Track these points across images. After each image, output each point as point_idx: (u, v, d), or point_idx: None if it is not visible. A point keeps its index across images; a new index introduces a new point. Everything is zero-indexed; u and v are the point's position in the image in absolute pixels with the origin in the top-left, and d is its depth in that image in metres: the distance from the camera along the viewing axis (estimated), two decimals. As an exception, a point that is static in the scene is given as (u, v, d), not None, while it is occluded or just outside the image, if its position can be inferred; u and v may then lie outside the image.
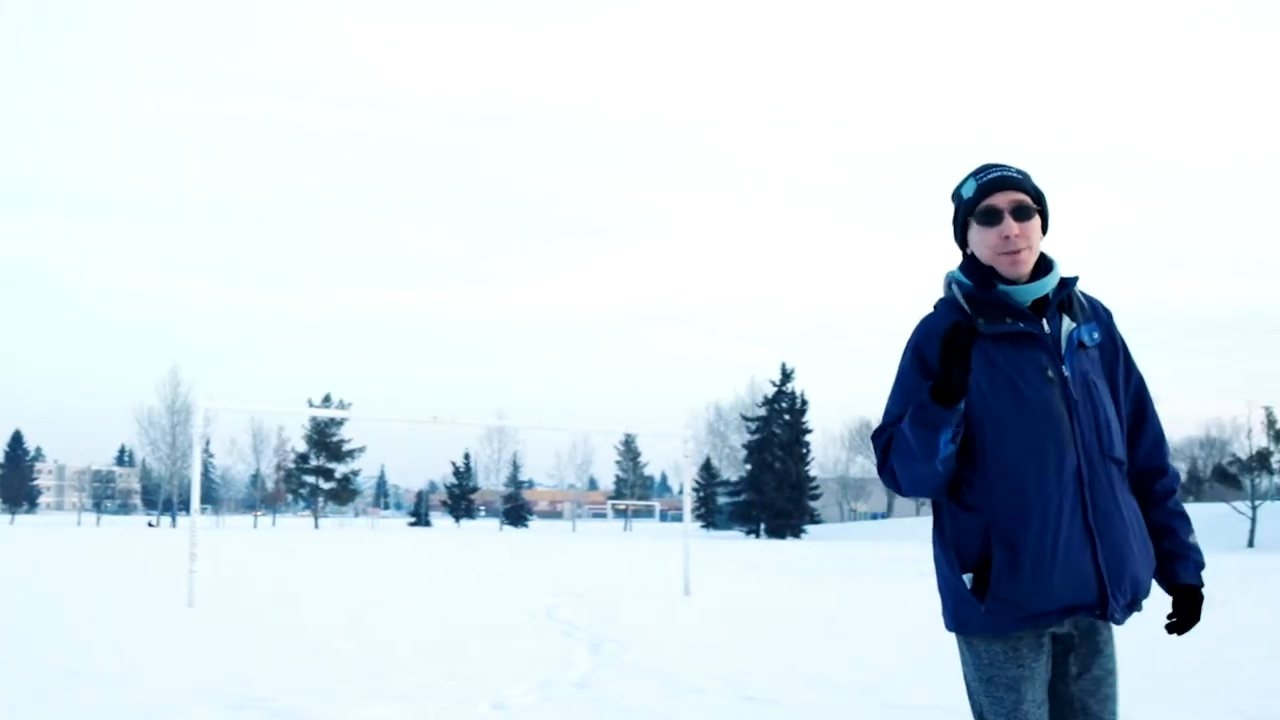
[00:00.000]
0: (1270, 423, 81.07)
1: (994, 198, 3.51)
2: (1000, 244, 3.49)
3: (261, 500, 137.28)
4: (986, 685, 3.47)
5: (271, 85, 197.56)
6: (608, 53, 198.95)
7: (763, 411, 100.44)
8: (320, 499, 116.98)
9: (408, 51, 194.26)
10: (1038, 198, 3.57)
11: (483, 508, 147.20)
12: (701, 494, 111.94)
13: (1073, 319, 3.57)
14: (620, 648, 11.92)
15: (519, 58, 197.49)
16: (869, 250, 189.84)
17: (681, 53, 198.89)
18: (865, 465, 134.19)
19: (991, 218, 3.50)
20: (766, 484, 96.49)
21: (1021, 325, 3.49)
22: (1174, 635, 3.59)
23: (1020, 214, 3.50)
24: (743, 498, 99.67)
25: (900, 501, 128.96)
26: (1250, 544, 73.56)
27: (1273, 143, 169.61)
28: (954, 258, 3.67)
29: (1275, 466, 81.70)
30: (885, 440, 3.55)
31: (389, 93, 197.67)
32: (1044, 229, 3.60)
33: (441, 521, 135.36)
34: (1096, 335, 3.60)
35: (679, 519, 42.49)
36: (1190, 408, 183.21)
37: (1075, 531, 3.37)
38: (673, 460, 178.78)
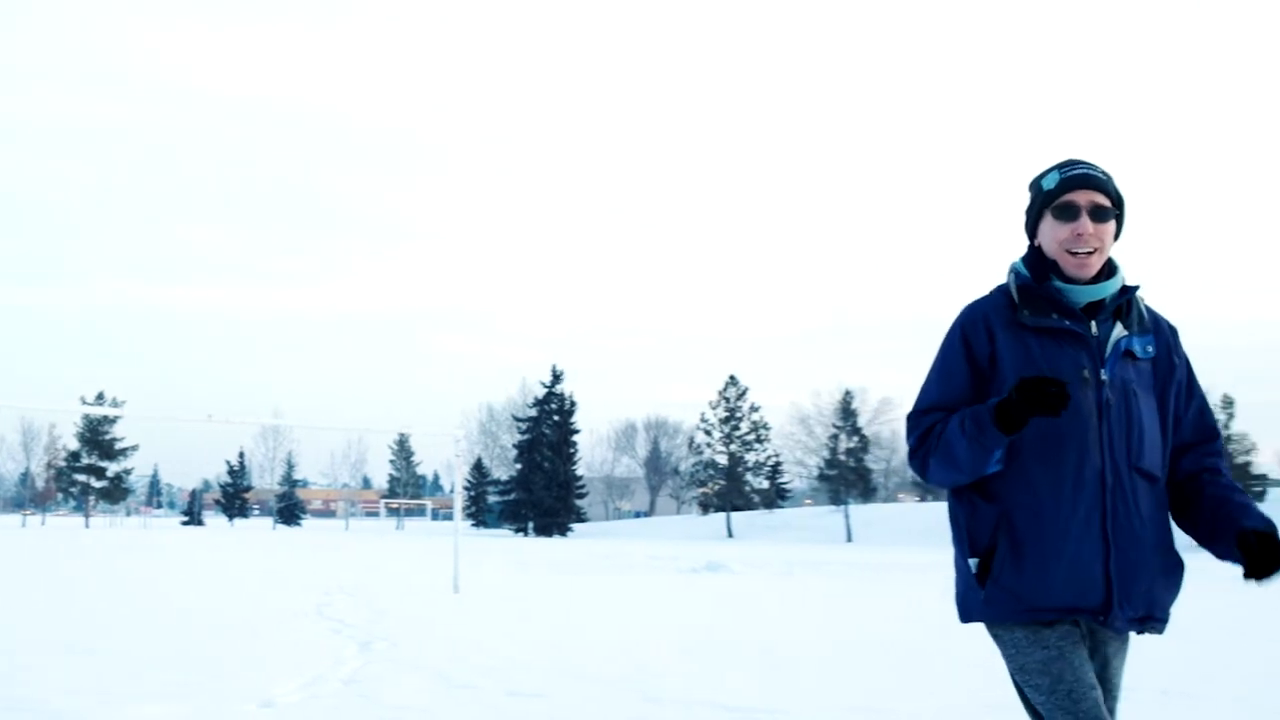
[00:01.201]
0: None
1: (1075, 194, 3.39)
2: (1071, 240, 3.37)
3: (31, 499, 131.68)
4: (1020, 674, 3.33)
5: (45, 76, 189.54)
6: (389, 56, 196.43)
7: (533, 412, 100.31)
8: (92, 498, 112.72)
9: (190, 47, 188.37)
10: (1118, 201, 3.44)
11: (257, 507, 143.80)
12: (472, 493, 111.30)
13: (1126, 327, 3.43)
14: (390, 645, 11.72)
15: (301, 59, 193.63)
16: (637, 256, 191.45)
17: (460, 59, 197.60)
18: (630, 465, 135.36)
19: (1068, 213, 3.38)
20: (536, 483, 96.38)
21: (1067, 323, 3.37)
22: (1254, 582, 3.27)
23: (1098, 215, 3.38)
24: (513, 496, 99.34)
25: (662, 500, 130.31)
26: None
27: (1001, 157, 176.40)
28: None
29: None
30: (924, 430, 3.43)
31: (166, 88, 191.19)
32: (1117, 234, 3.47)
33: (215, 520, 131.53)
34: (1151, 349, 3.46)
35: (450, 517, 42.08)
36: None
37: (1089, 535, 3.26)
38: (445, 460, 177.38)
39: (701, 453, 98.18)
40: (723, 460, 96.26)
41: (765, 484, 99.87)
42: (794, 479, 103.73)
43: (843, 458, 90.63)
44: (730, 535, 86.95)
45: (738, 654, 11.32)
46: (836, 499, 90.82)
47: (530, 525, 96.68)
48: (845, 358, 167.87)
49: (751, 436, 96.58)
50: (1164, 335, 3.51)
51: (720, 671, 9.97)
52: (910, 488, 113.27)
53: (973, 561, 3.34)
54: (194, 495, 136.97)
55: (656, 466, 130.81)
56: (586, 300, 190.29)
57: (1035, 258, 3.47)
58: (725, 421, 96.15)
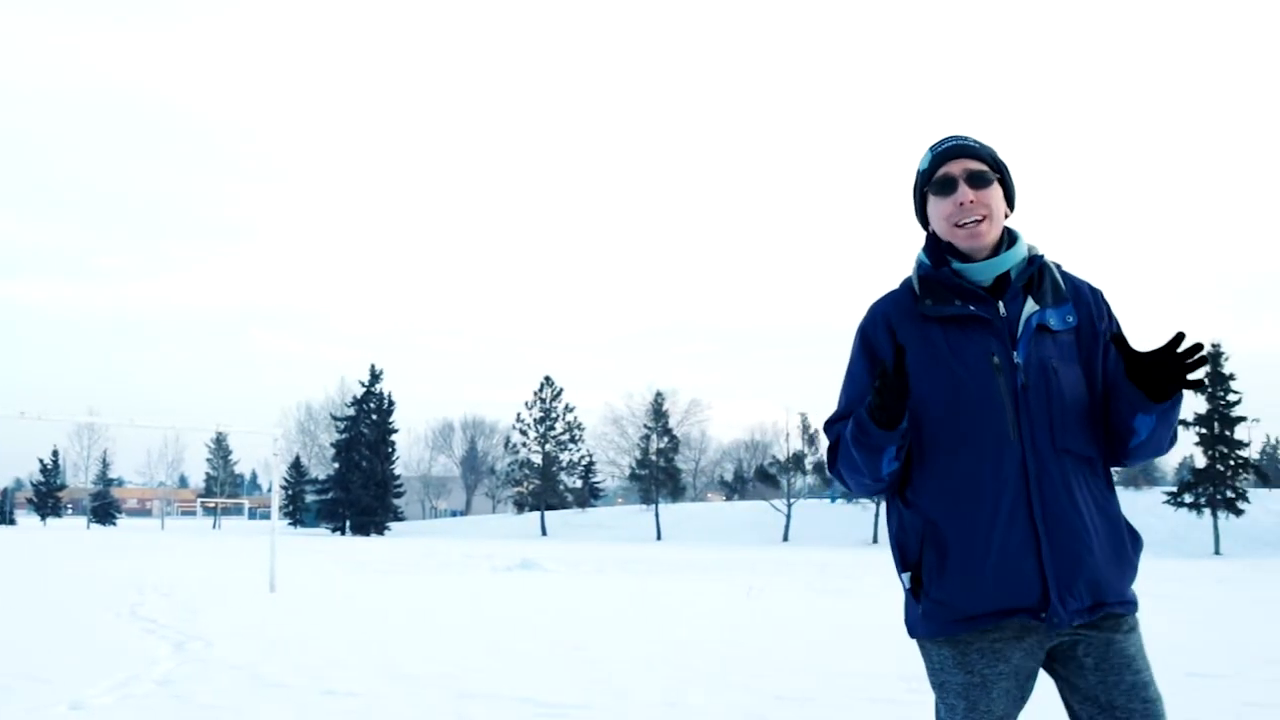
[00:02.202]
0: (805, 427, 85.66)
1: (948, 166, 3.17)
2: (955, 213, 3.14)
3: None
4: (939, 690, 3.12)
5: None
6: (210, 54, 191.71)
7: (351, 411, 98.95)
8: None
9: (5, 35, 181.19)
10: (997, 166, 3.21)
11: (70, 506, 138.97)
12: (290, 492, 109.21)
13: (1038, 301, 3.15)
14: (205, 645, 11.47)
15: (126, 53, 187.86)
16: (457, 259, 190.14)
17: (280, 61, 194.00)
18: (447, 464, 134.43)
19: (946, 186, 3.17)
20: (353, 482, 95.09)
21: (971, 308, 3.12)
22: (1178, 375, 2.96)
23: (976, 181, 3.15)
24: (330, 495, 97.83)
25: (478, 499, 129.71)
26: (785, 538, 77.62)
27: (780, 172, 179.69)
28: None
29: (808, 467, 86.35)
30: (834, 439, 3.21)
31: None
32: (1009, 203, 3.24)
33: (27, 520, 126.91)
34: (1072, 319, 3.17)
35: (268, 516, 41.24)
36: (738, 414, 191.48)
37: (1016, 531, 2.98)
38: (263, 459, 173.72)
39: (517, 452, 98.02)
40: (538, 460, 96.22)
41: (579, 483, 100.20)
42: (606, 478, 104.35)
43: (653, 458, 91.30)
44: (544, 534, 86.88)
45: (550, 651, 11.34)
46: (647, 498, 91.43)
47: (348, 524, 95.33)
48: (657, 360, 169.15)
49: (566, 437, 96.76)
50: (1085, 301, 3.22)
51: (533, 668, 9.98)
52: (718, 487, 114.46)
53: (905, 576, 3.14)
54: (5, 494, 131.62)
55: (473, 466, 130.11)
56: (406, 301, 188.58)
57: (932, 243, 3.26)
58: (540, 422, 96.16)
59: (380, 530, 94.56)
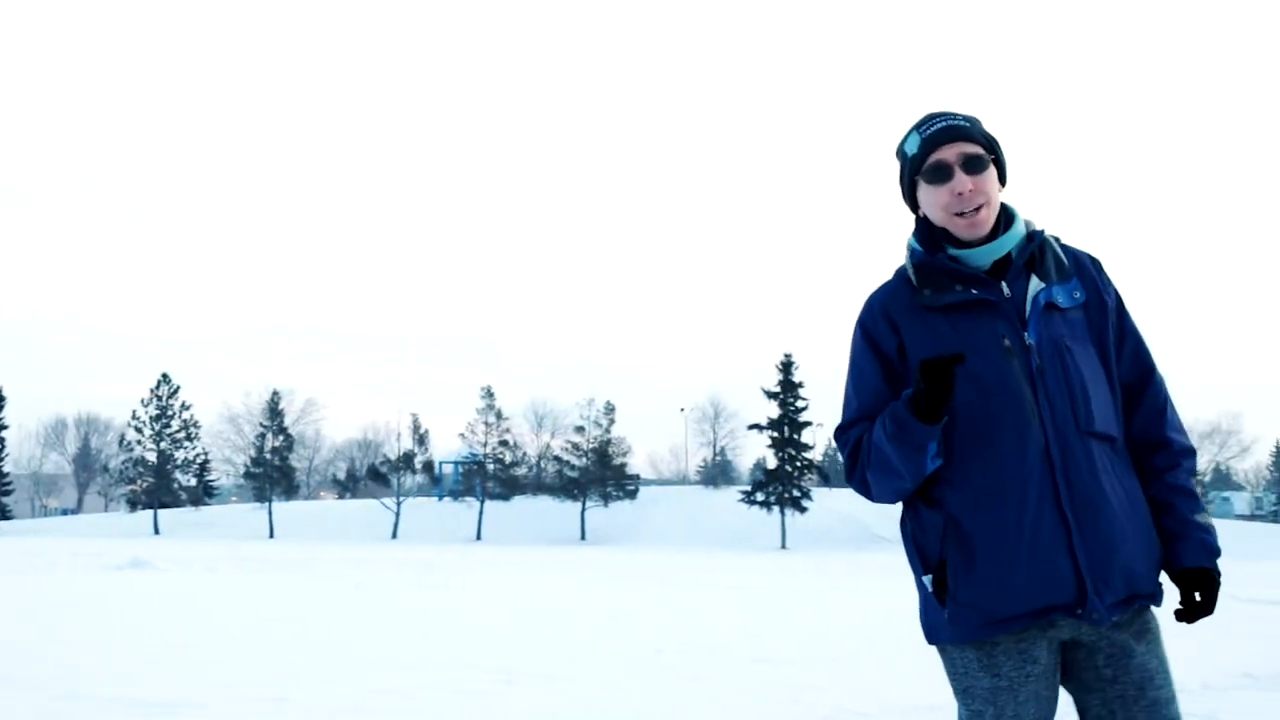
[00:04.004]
0: (416, 427, 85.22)
1: (941, 151, 2.85)
2: (953, 202, 2.85)
3: None
4: (963, 696, 2.85)
5: None
6: None
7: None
8: None
9: None
10: (991, 146, 2.91)
11: None
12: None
13: (1043, 278, 2.88)
14: None
15: None
16: (64, 249, 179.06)
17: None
18: (59, 462, 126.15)
19: (941, 174, 2.85)
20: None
21: (974, 292, 2.84)
22: (1184, 623, 2.83)
23: (972, 166, 2.85)
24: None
25: (91, 498, 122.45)
26: (394, 536, 77.13)
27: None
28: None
29: (418, 466, 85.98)
30: (853, 446, 2.91)
31: None
32: (1002, 180, 2.95)
33: None
34: (1080, 295, 2.90)
35: None
36: (353, 413, 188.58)
37: (1045, 521, 2.72)
38: None
39: (132, 450, 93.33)
40: (152, 458, 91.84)
41: (194, 481, 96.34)
42: (221, 476, 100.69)
43: (268, 456, 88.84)
44: (157, 532, 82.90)
45: (156, 649, 10.97)
46: (261, 496, 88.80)
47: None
48: (275, 359, 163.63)
49: (182, 434, 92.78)
50: (1088, 273, 2.96)
51: (140, 667, 9.65)
52: (331, 486, 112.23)
53: (927, 579, 2.84)
54: None
55: (86, 464, 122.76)
56: (15, 292, 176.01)
57: (924, 229, 2.96)
58: (156, 419, 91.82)
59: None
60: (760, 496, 72.93)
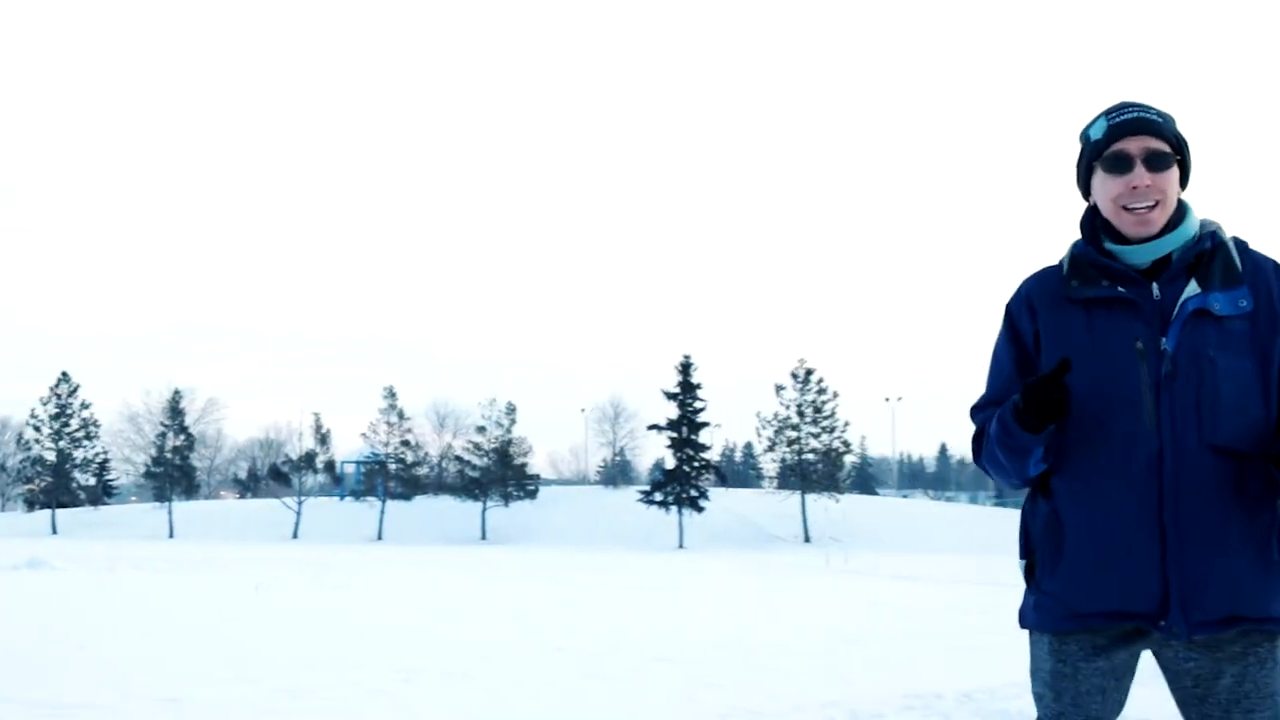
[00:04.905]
0: (318, 426, 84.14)
1: (1125, 142, 2.71)
2: (1127, 195, 2.71)
3: None
4: (1032, 679, 2.85)
5: None
6: None
7: None
8: None
9: None
10: (1179, 146, 2.75)
11: None
12: None
13: (1202, 283, 2.69)
14: None
15: None
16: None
17: None
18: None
19: (1120, 165, 2.71)
20: None
21: (1120, 289, 2.71)
22: None
23: (1155, 163, 2.70)
24: None
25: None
26: (295, 535, 76.15)
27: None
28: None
29: (319, 466, 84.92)
30: (978, 430, 2.87)
31: None
32: (1184, 183, 2.78)
33: None
34: (1246, 303, 2.68)
35: None
36: (254, 413, 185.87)
37: (1141, 529, 2.62)
38: None
39: (30, 449, 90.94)
40: (51, 457, 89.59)
41: (93, 481, 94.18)
42: (121, 476, 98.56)
43: (169, 455, 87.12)
44: (55, 532, 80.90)
45: (54, 650, 10.69)
46: (161, 495, 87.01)
47: None
48: (177, 358, 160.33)
49: (81, 434, 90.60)
50: (1265, 281, 2.73)
51: (35, 668, 9.39)
52: (232, 485, 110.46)
53: (1021, 563, 2.85)
54: None
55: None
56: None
57: (1089, 218, 2.84)
58: (55, 418, 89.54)
59: None
60: (659, 496, 73.06)
